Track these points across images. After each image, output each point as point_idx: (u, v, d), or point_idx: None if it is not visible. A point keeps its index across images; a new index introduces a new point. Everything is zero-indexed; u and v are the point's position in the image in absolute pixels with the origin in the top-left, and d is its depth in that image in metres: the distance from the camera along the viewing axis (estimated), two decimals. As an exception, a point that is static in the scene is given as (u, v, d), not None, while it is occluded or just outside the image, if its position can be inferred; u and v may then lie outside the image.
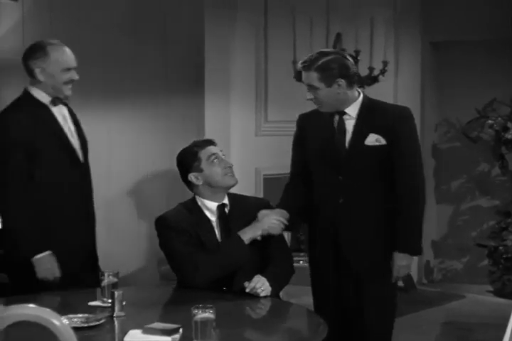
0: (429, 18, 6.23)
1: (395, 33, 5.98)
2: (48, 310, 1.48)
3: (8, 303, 1.55)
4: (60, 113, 3.23)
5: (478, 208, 6.46)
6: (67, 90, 3.19)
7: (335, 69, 3.01)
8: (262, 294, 2.82)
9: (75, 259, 3.16)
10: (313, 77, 3.02)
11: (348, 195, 3.06)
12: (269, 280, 2.86)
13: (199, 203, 3.08)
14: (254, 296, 2.82)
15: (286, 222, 3.06)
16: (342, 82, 3.02)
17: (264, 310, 2.84)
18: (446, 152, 6.50)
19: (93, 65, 4.76)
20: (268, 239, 3.05)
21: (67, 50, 3.21)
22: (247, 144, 5.33)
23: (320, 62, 3.01)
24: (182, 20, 5.03)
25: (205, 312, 2.25)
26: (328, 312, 2.96)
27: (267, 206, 3.16)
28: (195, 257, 2.91)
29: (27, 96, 3.20)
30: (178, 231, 2.98)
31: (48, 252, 3.09)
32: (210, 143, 3.13)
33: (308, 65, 3.03)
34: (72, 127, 3.27)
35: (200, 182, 3.07)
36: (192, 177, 3.08)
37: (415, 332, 4.91)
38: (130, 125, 4.99)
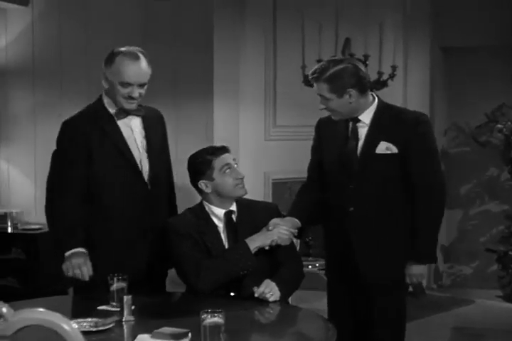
0: (438, 23, 6.22)
1: (404, 38, 5.98)
2: (57, 314, 1.49)
3: (17, 307, 1.55)
4: (127, 125, 3.11)
5: (488, 213, 6.44)
6: (127, 104, 3.04)
7: (345, 79, 2.95)
8: (270, 299, 2.80)
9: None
10: (323, 88, 2.98)
11: (359, 203, 3.04)
12: (278, 284, 2.85)
13: (206, 209, 3.07)
14: (263, 301, 2.81)
15: (296, 233, 3.05)
16: (353, 91, 2.97)
17: (272, 314, 2.83)
18: (455, 157, 6.48)
19: (102, 69, 4.77)
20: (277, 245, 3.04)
21: (137, 65, 3.00)
22: (256, 148, 5.33)
23: (329, 73, 2.96)
24: (191, 23, 5.04)
25: (214, 316, 2.24)
26: (341, 321, 2.94)
27: (276, 211, 3.15)
28: (199, 263, 2.90)
29: (98, 102, 3.13)
30: (184, 237, 2.97)
31: (78, 249, 3.00)
32: (225, 150, 3.09)
33: (317, 76, 2.98)
34: (142, 140, 3.13)
35: (209, 190, 3.06)
36: (202, 184, 3.06)
37: (424, 337, 4.89)
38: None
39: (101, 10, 5.27)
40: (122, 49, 3.05)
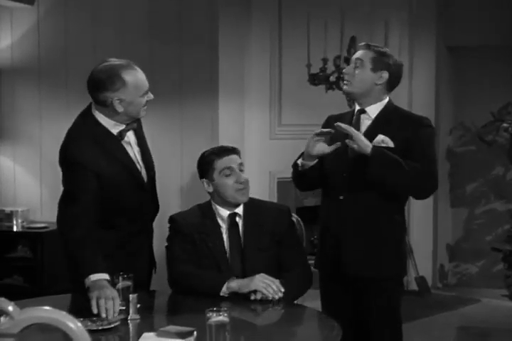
0: (444, 21, 6.22)
1: (410, 37, 5.98)
2: (63, 312, 1.49)
3: (23, 306, 1.55)
4: (127, 142, 2.99)
5: (493, 212, 6.43)
6: (143, 112, 2.95)
7: (390, 62, 3.07)
8: (276, 297, 2.77)
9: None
10: (368, 54, 3.07)
11: (350, 192, 3.04)
12: (283, 286, 2.80)
13: (213, 208, 3.06)
14: (268, 300, 2.80)
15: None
16: (386, 75, 3.05)
17: (278, 313, 2.82)
18: (461, 155, 6.48)
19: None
20: (285, 249, 3.03)
21: (139, 70, 2.90)
22: (262, 147, 5.33)
23: (383, 50, 3.11)
24: (197, 22, 5.05)
25: (220, 315, 2.24)
26: (335, 318, 2.94)
27: (287, 214, 3.12)
28: (180, 271, 2.91)
29: (95, 123, 2.93)
30: (183, 235, 2.99)
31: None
32: (230, 152, 3.04)
33: (369, 45, 3.11)
34: (137, 149, 3.04)
35: (210, 190, 3.06)
36: (204, 182, 3.07)
37: (429, 337, 4.89)
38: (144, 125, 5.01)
39: (106, 8, 5.28)
40: (114, 65, 2.87)
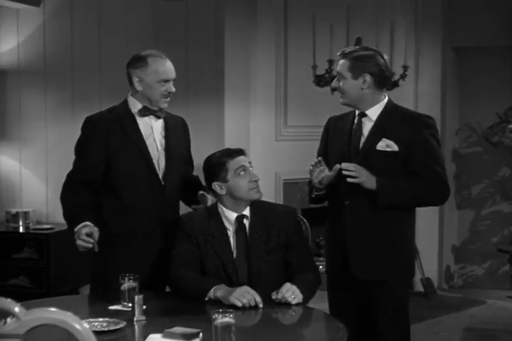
0: (450, 22, 6.21)
1: (416, 38, 5.97)
2: (69, 313, 1.49)
3: (29, 307, 1.55)
4: (148, 124, 3.22)
5: (500, 213, 6.42)
6: (163, 103, 3.22)
7: (368, 63, 3.04)
8: (293, 301, 2.76)
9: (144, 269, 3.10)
10: (344, 64, 3.07)
11: (355, 197, 3.04)
12: (299, 286, 2.81)
13: (219, 211, 3.05)
14: (274, 301, 2.79)
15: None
16: (368, 78, 3.03)
17: (283, 314, 2.82)
18: (467, 157, 6.47)
19: (114, 70, 4.79)
20: (293, 250, 3.02)
21: (168, 62, 3.23)
22: (267, 149, 5.33)
23: (357, 54, 3.07)
24: (203, 25, 5.05)
25: (225, 316, 2.24)
26: (342, 319, 2.93)
27: (293, 216, 3.11)
28: (179, 269, 2.93)
29: (123, 103, 3.27)
30: (187, 236, 3.00)
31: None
32: (240, 153, 3.07)
33: (346, 53, 3.09)
34: (161, 139, 3.24)
35: (223, 192, 3.03)
36: (216, 186, 3.04)
37: (435, 338, 4.89)
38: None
39: (113, 10, 5.29)
40: (147, 52, 3.23)
